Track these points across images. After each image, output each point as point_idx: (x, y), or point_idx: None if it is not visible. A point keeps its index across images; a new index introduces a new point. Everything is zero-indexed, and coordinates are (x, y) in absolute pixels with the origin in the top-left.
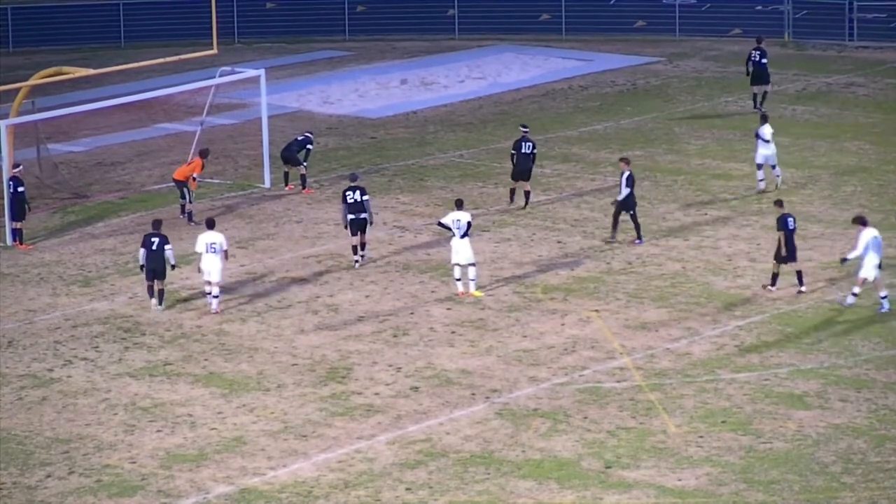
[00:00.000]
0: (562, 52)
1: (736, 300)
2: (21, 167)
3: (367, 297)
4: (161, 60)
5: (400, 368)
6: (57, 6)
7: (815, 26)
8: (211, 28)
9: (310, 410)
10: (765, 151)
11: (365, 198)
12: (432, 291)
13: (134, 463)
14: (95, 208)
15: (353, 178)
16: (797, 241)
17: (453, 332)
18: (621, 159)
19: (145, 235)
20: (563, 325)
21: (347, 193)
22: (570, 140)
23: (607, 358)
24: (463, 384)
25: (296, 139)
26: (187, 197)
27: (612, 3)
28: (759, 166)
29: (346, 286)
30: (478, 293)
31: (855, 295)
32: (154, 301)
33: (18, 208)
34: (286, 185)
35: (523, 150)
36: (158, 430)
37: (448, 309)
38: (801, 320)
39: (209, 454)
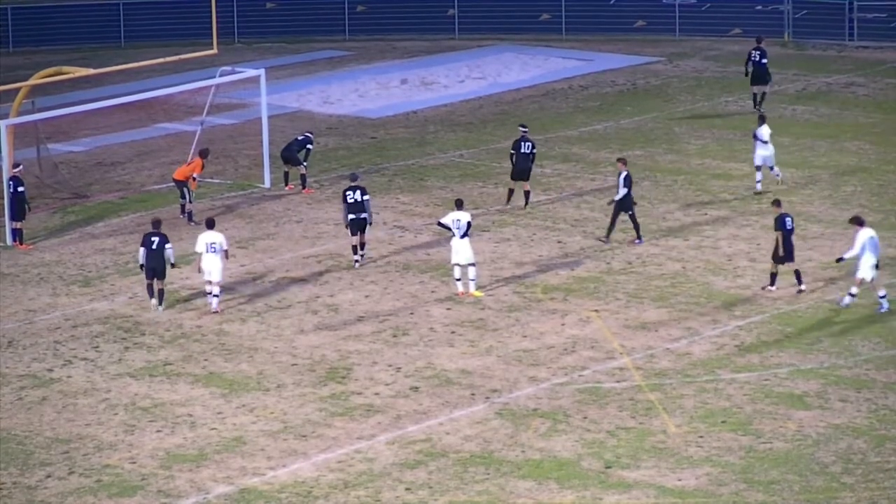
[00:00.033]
0: (562, 52)
1: (736, 300)
2: (21, 167)
3: (367, 297)
4: (161, 60)
5: (400, 368)
6: (57, 6)
7: (815, 26)
8: (211, 28)
9: (309, 410)
10: (763, 152)
11: (365, 198)
12: (432, 291)
13: (134, 463)
14: (95, 208)
15: (354, 177)
16: (797, 242)
17: (453, 332)
18: (619, 160)
19: (145, 235)
20: (563, 325)
21: (348, 193)
22: (570, 140)
23: (607, 358)
24: (463, 384)
25: (296, 139)
26: (187, 197)
27: (612, 3)
28: (758, 168)
29: (346, 286)
30: (478, 293)
31: (852, 296)
32: (154, 301)
33: (18, 208)
34: (286, 185)
35: (522, 150)
36: (158, 430)
37: (448, 309)
38: (801, 320)
39: (209, 454)
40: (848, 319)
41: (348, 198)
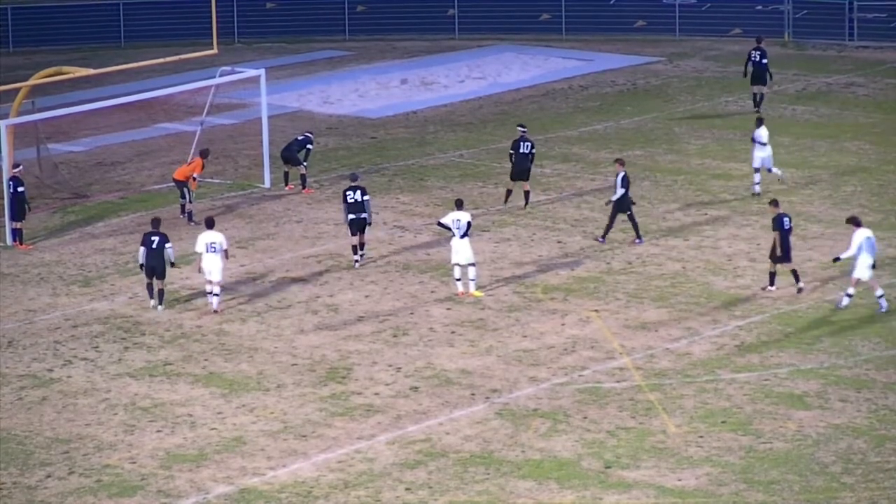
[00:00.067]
0: (562, 52)
1: (736, 300)
2: (21, 167)
3: (366, 297)
4: (161, 60)
5: (400, 368)
6: (57, 6)
7: (815, 26)
8: (211, 28)
9: (309, 410)
10: (761, 154)
11: (365, 198)
12: (432, 291)
13: (134, 463)
14: (95, 208)
15: (354, 177)
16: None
17: (453, 332)
18: (616, 160)
19: (145, 234)
20: (563, 325)
21: (348, 193)
22: (570, 140)
23: (607, 358)
24: (463, 384)
25: (296, 139)
26: (187, 197)
27: (612, 3)
28: (756, 170)
29: (346, 286)
30: (478, 293)
31: (849, 296)
32: (153, 301)
33: (18, 208)
34: (286, 185)
35: (521, 150)
36: (158, 430)
37: (448, 309)
38: (801, 320)
39: (209, 454)
40: (848, 319)
41: (348, 198)
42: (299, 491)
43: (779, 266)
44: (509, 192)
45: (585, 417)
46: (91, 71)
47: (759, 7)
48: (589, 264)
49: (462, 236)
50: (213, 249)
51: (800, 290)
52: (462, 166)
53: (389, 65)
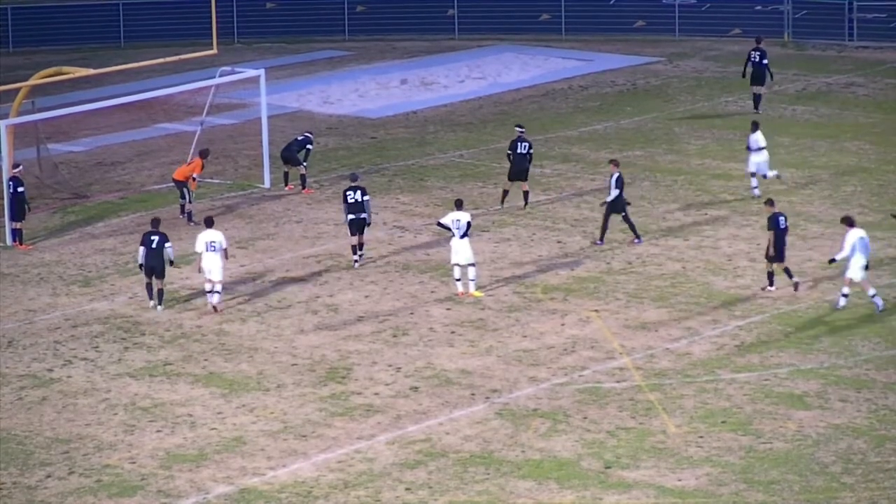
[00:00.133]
0: (562, 52)
1: (736, 300)
2: (21, 167)
3: (366, 297)
4: (161, 60)
5: (400, 368)
6: (57, 6)
7: (815, 26)
8: (211, 28)
9: (309, 410)
10: (756, 159)
11: (365, 198)
12: (432, 291)
13: (134, 463)
14: (95, 208)
15: (354, 178)
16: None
17: (453, 332)
18: (611, 161)
19: (145, 234)
20: (563, 325)
21: (348, 193)
22: (570, 140)
23: (607, 358)
24: (463, 384)
25: (296, 139)
26: (187, 197)
27: (612, 3)
28: (752, 174)
29: (345, 286)
30: (478, 293)
31: (845, 296)
32: (153, 301)
33: (18, 208)
34: (286, 185)
35: (519, 151)
36: (158, 430)
37: (448, 309)
38: (800, 320)
39: (209, 454)
40: (848, 319)
41: (349, 198)
42: (299, 491)
43: (774, 265)
44: (506, 192)
45: (585, 417)
46: (91, 71)
47: (759, 7)
48: (589, 264)
49: (462, 236)
50: (212, 248)
51: (796, 286)
52: (462, 166)
53: (389, 65)
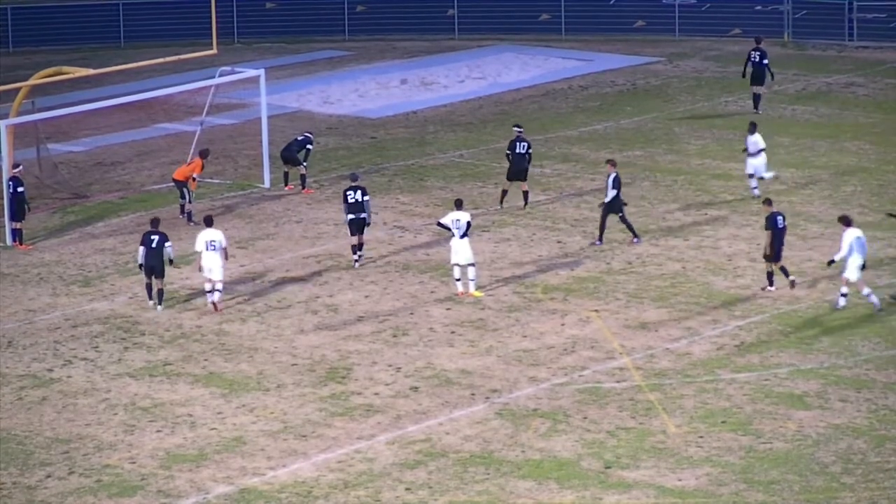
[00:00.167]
0: (562, 52)
1: (736, 300)
2: (21, 167)
3: (366, 297)
4: (161, 60)
5: (400, 368)
6: (57, 6)
7: (815, 26)
8: (211, 28)
9: (309, 410)
10: (754, 161)
11: (366, 198)
12: (432, 291)
13: (134, 463)
14: (95, 208)
15: (354, 177)
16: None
17: (453, 332)
18: (608, 161)
19: (144, 234)
20: (563, 325)
21: (348, 193)
22: (570, 140)
23: (607, 358)
24: (463, 384)
25: (296, 139)
26: (187, 197)
27: (612, 3)
28: (751, 176)
29: (345, 286)
30: (477, 293)
31: (844, 296)
32: (153, 301)
33: (18, 208)
34: (286, 185)
35: (518, 151)
36: (158, 430)
37: (448, 309)
38: (801, 320)
39: (209, 454)
40: (848, 319)
41: (349, 198)
42: (299, 491)
43: (773, 265)
44: (504, 192)
45: (585, 417)
46: (91, 71)
47: (759, 7)
48: (589, 264)
49: (462, 236)
50: (212, 247)
51: (792, 284)
52: (462, 166)
53: (389, 65)
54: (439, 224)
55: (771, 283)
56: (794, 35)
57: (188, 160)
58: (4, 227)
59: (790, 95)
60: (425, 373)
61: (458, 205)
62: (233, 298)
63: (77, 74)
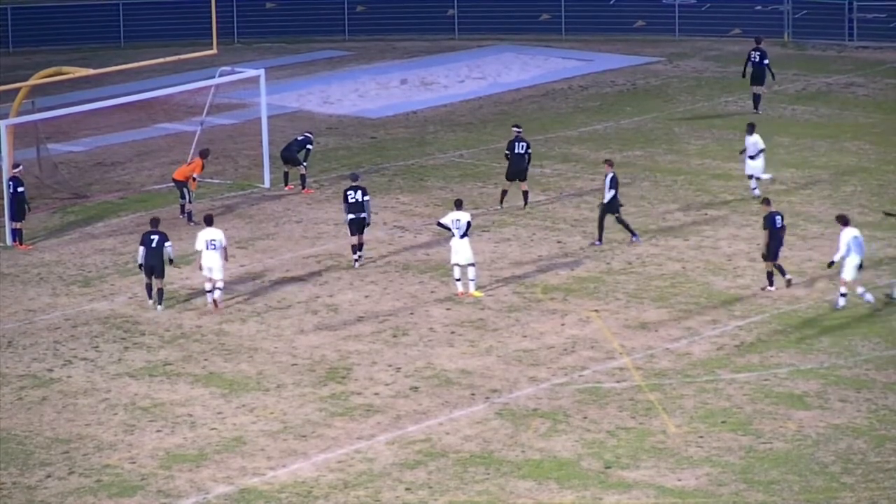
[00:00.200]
0: (562, 52)
1: (736, 300)
2: (21, 167)
3: (366, 297)
4: (161, 60)
5: (399, 368)
6: (57, 6)
7: (815, 26)
8: (211, 28)
9: (309, 410)
10: (753, 163)
11: (366, 198)
12: (432, 291)
13: (134, 463)
14: (95, 208)
15: (355, 177)
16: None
17: (453, 332)
18: (605, 161)
19: (144, 233)
20: (563, 325)
21: (349, 193)
22: (570, 140)
23: (607, 358)
24: (463, 384)
25: (296, 139)
26: (187, 197)
27: (612, 3)
28: (750, 177)
29: (345, 286)
30: (477, 293)
31: (843, 296)
32: (152, 301)
33: (18, 208)
34: (286, 185)
35: (517, 151)
36: (158, 430)
37: (448, 309)
38: (801, 320)
39: (209, 454)
40: (847, 319)
41: (349, 197)
42: (299, 491)
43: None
44: (504, 192)
45: (585, 417)
46: (91, 71)
47: (759, 7)
48: (589, 264)
49: (462, 236)
50: (212, 247)
51: (788, 283)
52: (462, 166)
53: (389, 65)
54: (439, 224)
55: (771, 283)
56: (794, 35)
57: (188, 160)
58: (4, 227)
59: (790, 95)
60: (425, 373)
61: (458, 205)
62: (233, 298)
63: (77, 74)
